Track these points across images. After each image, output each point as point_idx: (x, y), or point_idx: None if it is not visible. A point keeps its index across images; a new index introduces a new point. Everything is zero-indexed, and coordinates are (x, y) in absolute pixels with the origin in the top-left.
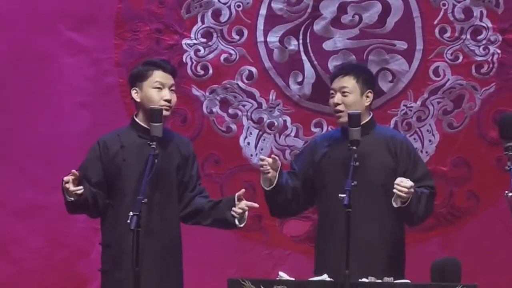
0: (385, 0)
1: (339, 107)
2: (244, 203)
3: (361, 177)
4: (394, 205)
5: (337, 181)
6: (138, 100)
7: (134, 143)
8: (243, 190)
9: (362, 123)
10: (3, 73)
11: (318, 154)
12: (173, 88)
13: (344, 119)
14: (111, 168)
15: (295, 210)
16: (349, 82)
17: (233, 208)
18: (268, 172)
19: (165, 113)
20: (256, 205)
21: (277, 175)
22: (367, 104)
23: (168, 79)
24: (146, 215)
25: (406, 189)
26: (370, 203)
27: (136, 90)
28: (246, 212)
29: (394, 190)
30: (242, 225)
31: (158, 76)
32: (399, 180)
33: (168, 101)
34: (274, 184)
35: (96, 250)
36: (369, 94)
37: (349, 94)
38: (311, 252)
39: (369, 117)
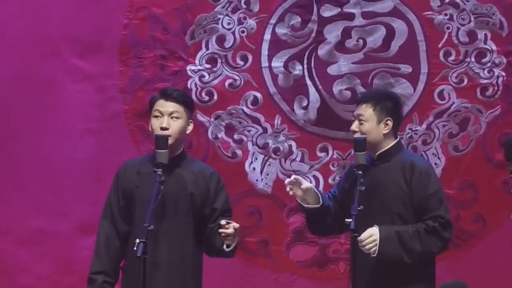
0: (389, 24)
1: (356, 135)
2: (230, 226)
3: (378, 205)
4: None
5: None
6: (150, 129)
7: (148, 171)
8: (223, 221)
9: (381, 150)
10: (9, 100)
11: (349, 180)
12: (175, 115)
13: None
14: (126, 193)
15: (337, 231)
16: (365, 111)
17: (221, 230)
18: (295, 193)
19: None
20: (236, 225)
21: (319, 195)
22: (385, 132)
23: (167, 107)
24: (154, 244)
25: (363, 244)
26: None
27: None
28: (236, 239)
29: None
30: (228, 250)
31: (158, 104)
32: (360, 238)
33: (164, 129)
34: (319, 204)
35: None
36: (388, 122)
37: (365, 123)
38: (318, 277)
39: (391, 144)
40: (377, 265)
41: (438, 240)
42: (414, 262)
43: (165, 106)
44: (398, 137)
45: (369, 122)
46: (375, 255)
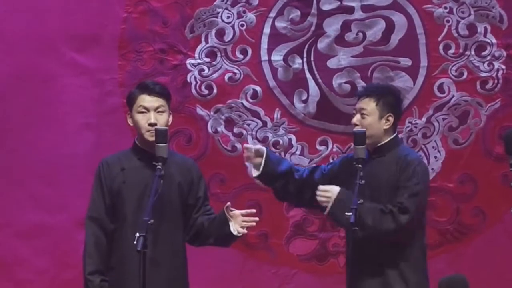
0: (389, 17)
1: (356, 128)
2: (241, 216)
3: (371, 198)
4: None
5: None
6: (131, 124)
7: (133, 166)
8: (228, 203)
9: (378, 144)
10: (7, 95)
11: (345, 171)
12: (161, 109)
13: None
14: (113, 190)
15: (308, 201)
16: (368, 105)
17: (239, 229)
18: (248, 160)
19: (151, 138)
20: (253, 210)
21: (263, 162)
22: (385, 127)
23: (152, 102)
24: (149, 239)
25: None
26: None
27: (130, 114)
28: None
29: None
30: (241, 234)
31: (141, 100)
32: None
33: (152, 124)
34: (259, 172)
35: None
36: (390, 118)
37: (367, 117)
38: (317, 270)
39: (388, 139)
40: (371, 256)
41: (392, 221)
42: (366, 237)
43: (150, 101)
44: (397, 132)
45: (371, 117)
46: (325, 213)
